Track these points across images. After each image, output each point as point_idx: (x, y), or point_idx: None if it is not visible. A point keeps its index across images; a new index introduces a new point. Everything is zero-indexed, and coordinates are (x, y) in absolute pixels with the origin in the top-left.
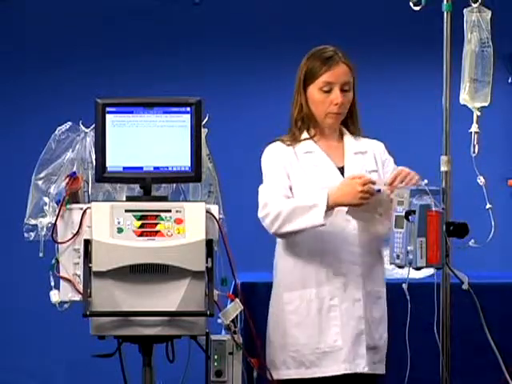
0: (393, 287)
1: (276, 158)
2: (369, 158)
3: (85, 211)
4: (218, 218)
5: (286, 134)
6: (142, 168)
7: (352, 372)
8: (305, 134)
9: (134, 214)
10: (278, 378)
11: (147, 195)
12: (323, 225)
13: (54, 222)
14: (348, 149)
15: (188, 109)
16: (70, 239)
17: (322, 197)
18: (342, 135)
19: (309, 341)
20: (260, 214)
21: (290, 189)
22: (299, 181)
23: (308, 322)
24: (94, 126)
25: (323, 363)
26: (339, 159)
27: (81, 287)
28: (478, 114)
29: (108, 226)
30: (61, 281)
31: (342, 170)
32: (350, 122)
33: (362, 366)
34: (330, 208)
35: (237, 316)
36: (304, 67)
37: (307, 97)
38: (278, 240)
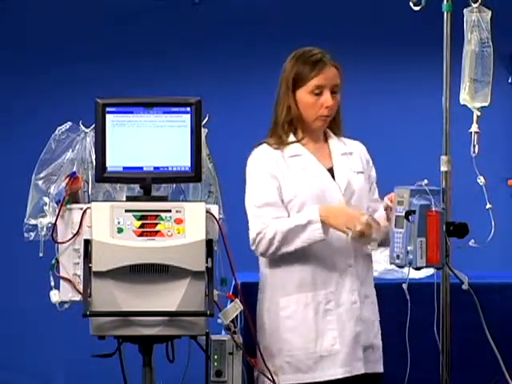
0: (393, 287)
1: (264, 165)
2: (355, 159)
3: (85, 211)
4: (218, 217)
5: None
6: (142, 168)
7: (350, 375)
8: (291, 137)
9: (134, 213)
10: None
11: (147, 195)
12: (324, 239)
13: (54, 222)
14: (334, 150)
15: (188, 109)
16: (70, 239)
17: (313, 212)
18: (326, 136)
19: (305, 345)
20: (252, 245)
21: (281, 199)
22: (290, 185)
23: (304, 326)
24: (94, 126)
25: (319, 367)
26: (327, 161)
27: (81, 287)
28: (478, 113)
29: (108, 226)
30: (61, 281)
31: (330, 171)
32: (333, 124)
33: (358, 368)
34: (324, 222)
35: (237, 316)
36: (292, 70)
37: (296, 100)
38: None
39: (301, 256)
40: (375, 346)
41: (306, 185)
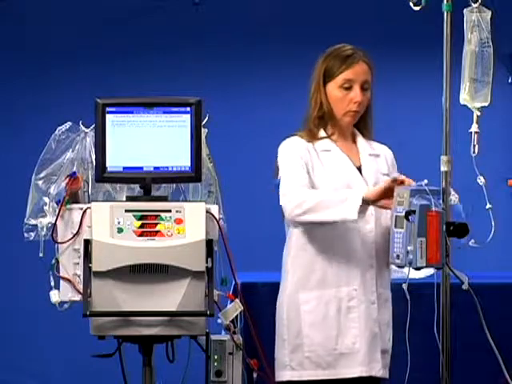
0: (393, 287)
1: (295, 151)
2: (381, 162)
3: (85, 211)
4: (217, 217)
5: (293, 132)
6: (142, 168)
7: (367, 375)
8: (322, 133)
9: (134, 213)
10: (292, 379)
11: (147, 195)
12: (354, 220)
13: (54, 222)
14: (362, 150)
15: (188, 109)
16: (70, 239)
17: (356, 192)
18: (354, 137)
19: (326, 342)
20: (282, 201)
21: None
22: (321, 177)
23: (326, 322)
24: (94, 125)
25: (340, 365)
26: (355, 159)
27: (81, 287)
28: (478, 113)
29: (108, 226)
30: (61, 281)
31: (359, 169)
32: (362, 125)
33: (377, 369)
34: (363, 203)
35: (237, 316)
36: (323, 65)
37: (327, 94)
38: (293, 238)
39: (325, 251)
40: (387, 350)
41: (333, 178)
